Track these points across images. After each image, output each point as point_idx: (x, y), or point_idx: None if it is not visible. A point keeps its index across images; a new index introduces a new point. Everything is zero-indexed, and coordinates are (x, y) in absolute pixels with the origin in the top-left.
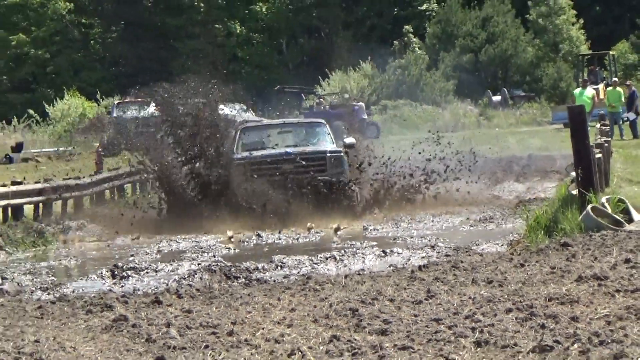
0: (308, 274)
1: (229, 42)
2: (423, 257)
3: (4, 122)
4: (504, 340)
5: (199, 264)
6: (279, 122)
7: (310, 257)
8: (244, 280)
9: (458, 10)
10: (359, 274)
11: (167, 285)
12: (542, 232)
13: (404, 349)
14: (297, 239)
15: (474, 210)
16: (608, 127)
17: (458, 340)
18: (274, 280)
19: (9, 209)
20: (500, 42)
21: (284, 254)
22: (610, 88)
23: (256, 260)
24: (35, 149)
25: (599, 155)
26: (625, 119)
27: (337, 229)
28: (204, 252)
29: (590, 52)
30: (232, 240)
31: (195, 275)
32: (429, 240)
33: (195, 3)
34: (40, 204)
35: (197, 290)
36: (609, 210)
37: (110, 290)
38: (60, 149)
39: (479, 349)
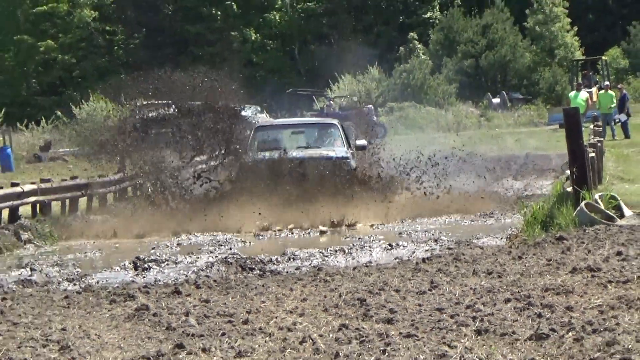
0: (319, 266)
1: (244, 48)
2: (427, 250)
3: (33, 123)
4: (502, 328)
5: (216, 257)
6: (293, 122)
7: (320, 250)
8: (258, 271)
9: (460, 18)
10: (367, 266)
11: (186, 276)
12: (539, 226)
13: (408, 336)
14: (309, 232)
15: (474, 206)
16: (601, 128)
17: (460, 329)
18: (287, 272)
19: (38, 205)
20: (500, 48)
21: (296, 247)
22: (602, 91)
23: (270, 253)
24: (62, 148)
25: (592, 154)
26: (617, 120)
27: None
28: (221, 245)
29: (584, 57)
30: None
31: (213, 267)
32: (433, 235)
33: (213, 11)
34: (67, 200)
35: (215, 281)
36: (602, 206)
37: (133, 281)
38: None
39: (479, 337)
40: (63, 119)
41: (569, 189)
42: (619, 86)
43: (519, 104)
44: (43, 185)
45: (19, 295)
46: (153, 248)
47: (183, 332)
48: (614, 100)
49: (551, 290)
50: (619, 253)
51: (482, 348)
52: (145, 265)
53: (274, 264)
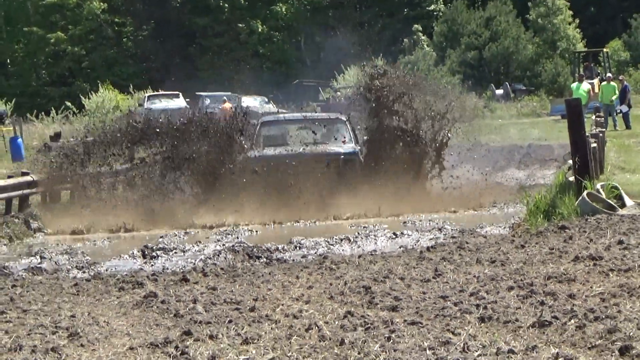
0: (324, 254)
1: (251, 39)
2: (431, 239)
3: (43, 113)
4: (506, 316)
5: (223, 245)
6: (299, 117)
7: (326, 239)
8: (265, 259)
9: (463, 10)
10: (372, 254)
11: (194, 264)
12: (542, 216)
13: (413, 324)
14: (315, 222)
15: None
16: (603, 119)
17: (463, 316)
18: (293, 260)
19: (47, 192)
20: (503, 40)
21: (302, 236)
22: (604, 83)
23: (276, 241)
24: (72, 138)
25: (594, 144)
26: (619, 111)
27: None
28: (228, 234)
29: (585, 49)
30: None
31: (220, 255)
32: (437, 223)
33: (220, 4)
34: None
35: (222, 269)
36: (604, 196)
37: (141, 269)
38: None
39: (482, 324)
40: (72, 109)
41: (571, 179)
42: (620, 78)
43: (522, 95)
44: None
45: (29, 282)
46: (161, 237)
47: (190, 319)
48: (616, 92)
49: (554, 279)
50: (620, 242)
51: (485, 335)
52: (154, 254)
53: (281, 252)
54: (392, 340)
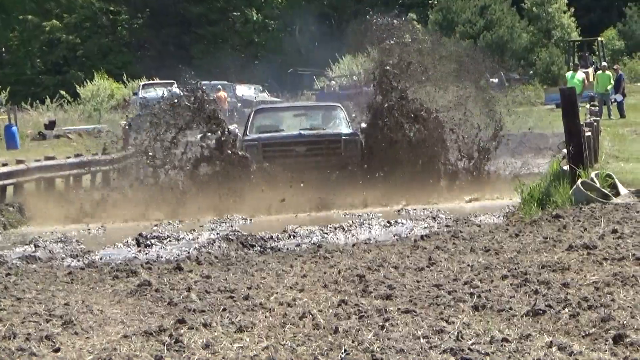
0: (318, 242)
1: (246, 28)
2: (425, 228)
3: (37, 101)
4: (500, 304)
5: (217, 234)
6: (295, 105)
7: (320, 228)
8: (259, 248)
9: None
10: (366, 243)
11: (188, 253)
12: (536, 204)
13: (407, 312)
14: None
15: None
16: (597, 108)
17: (457, 305)
18: (287, 249)
19: (42, 181)
20: (497, 28)
21: (297, 225)
22: (599, 72)
23: (271, 230)
24: (66, 126)
25: (589, 133)
26: (613, 100)
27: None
28: (222, 222)
29: (580, 38)
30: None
31: (214, 244)
32: (431, 212)
33: None
34: (71, 177)
35: (216, 257)
36: (598, 185)
37: (135, 257)
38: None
39: (476, 313)
40: (67, 98)
41: (566, 168)
42: (615, 67)
43: (516, 84)
44: (47, 162)
45: (23, 271)
46: (155, 225)
47: (184, 307)
48: (611, 81)
49: (547, 267)
50: (614, 231)
51: (479, 324)
52: (148, 242)
53: (275, 241)
54: (385, 329)
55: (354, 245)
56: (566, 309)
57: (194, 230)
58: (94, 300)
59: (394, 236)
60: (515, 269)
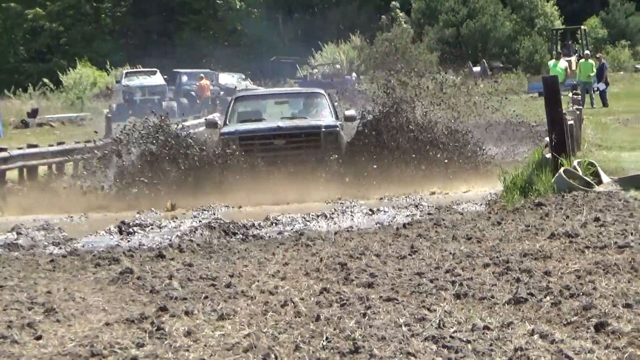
0: (301, 230)
1: (229, 16)
2: (407, 216)
3: (20, 89)
4: (481, 292)
5: (200, 221)
6: (276, 92)
7: (303, 215)
8: (241, 236)
9: None
10: (348, 231)
11: (170, 240)
12: (518, 192)
13: (388, 300)
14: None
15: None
16: (580, 96)
17: (439, 293)
18: (269, 236)
19: (25, 169)
20: (480, 17)
21: (279, 213)
22: (582, 60)
23: (253, 218)
24: (49, 114)
25: (571, 122)
26: (596, 88)
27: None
28: (205, 210)
29: (563, 27)
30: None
31: (196, 232)
32: (413, 200)
33: None
34: (54, 165)
35: (198, 245)
36: (580, 173)
37: (118, 245)
38: (74, 114)
39: (458, 301)
40: (50, 86)
41: (548, 156)
42: (598, 55)
43: (499, 73)
44: (30, 150)
45: (5, 258)
46: (138, 212)
47: (166, 295)
48: (594, 69)
49: (529, 256)
50: (596, 219)
51: (461, 312)
52: (130, 230)
53: (257, 228)
54: (367, 317)
55: (336, 233)
56: (548, 297)
57: (176, 218)
58: (76, 288)
59: (376, 224)
60: (497, 257)
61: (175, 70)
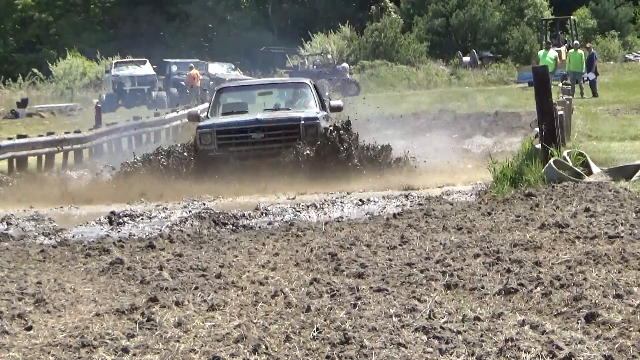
0: (291, 221)
1: (218, 6)
2: (397, 206)
3: (10, 79)
4: (472, 283)
5: (190, 212)
6: (260, 83)
7: (293, 206)
8: (231, 226)
9: None
10: (338, 221)
11: (160, 231)
12: (508, 183)
13: (379, 290)
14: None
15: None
16: (570, 86)
17: (429, 283)
18: (259, 227)
19: (14, 160)
20: (470, 7)
21: (269, 203)
22: (572, 50)
23: (243, 208)
24: (39, 104)
25: (561, 112)
26: (586, 78)
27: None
28: (195, 201)
29: (553, 17)
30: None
31: (187, 222)
32: (404, 190)
33: None
34: (44, 156)
35: (188, 235)
36: (570, 163)
37: (108, 235)
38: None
39: (449, 291)
40: (39, 76)
41: (538, 146)
42: (588, 45)
43: (489, 63)
44: (20, 141)
45: None
46: (128, 203)
47: (157, 285)
48: (583, 59)
49: (520, 246)
50: (586, 209)
51: (451, 302)
52: (120, 220)
53: (247, 219)
54: (358, 307)
55: (326, 223)
56: (538, 288)
57: (166, 208)
58: (66, 278)
59: (367, 214)
60: (487, 247)
61: (164, 60)
